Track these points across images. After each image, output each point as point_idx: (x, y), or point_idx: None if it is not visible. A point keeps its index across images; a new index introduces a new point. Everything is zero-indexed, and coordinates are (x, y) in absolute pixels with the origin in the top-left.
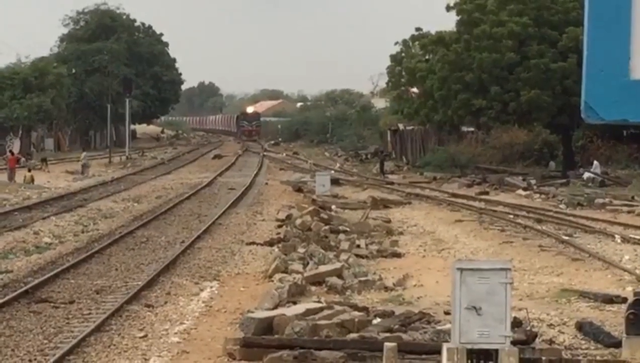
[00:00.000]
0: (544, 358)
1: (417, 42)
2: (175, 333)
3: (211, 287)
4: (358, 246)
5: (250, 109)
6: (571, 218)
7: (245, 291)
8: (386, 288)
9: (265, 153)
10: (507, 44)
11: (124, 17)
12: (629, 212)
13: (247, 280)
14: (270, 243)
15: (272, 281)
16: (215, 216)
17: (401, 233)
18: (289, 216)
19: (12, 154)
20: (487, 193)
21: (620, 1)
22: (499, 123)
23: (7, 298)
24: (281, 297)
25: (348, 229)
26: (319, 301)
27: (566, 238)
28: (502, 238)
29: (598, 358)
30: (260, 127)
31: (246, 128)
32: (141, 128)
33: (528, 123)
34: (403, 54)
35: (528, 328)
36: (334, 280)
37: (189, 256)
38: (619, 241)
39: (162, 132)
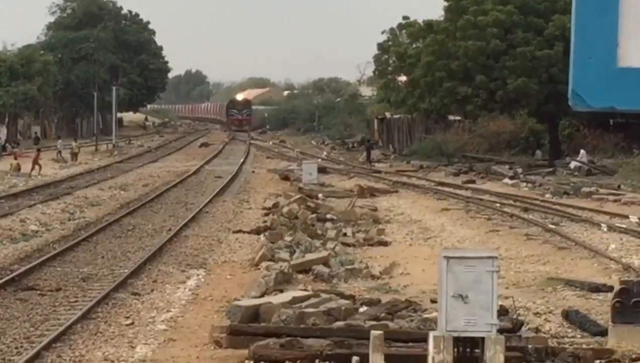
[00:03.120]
0: (530, 346)
1: (404, 31)
2: (162, 321)
3: (198, 275)
4: (345, 234)
5: (240, 97)
6: (557, 207)
7: (231, 279)
8: (373, 277)
9: (252, 141)
10: (492, 31)
11: (111, 5)
12: (615, 201)
13: (233, 268)
14: (257, 231)
15: (259, 269)
16: (202, 204)
17: (388, 222)
18: (275, 205)
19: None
20: (473, 182)
21: None
22: (485, 111)
23: None
24: (268, 285)
25: (335, 217)
26: (305, 290)
27: (552, 226)
28: (489, 226)
29: (584, 346)
30: (251, 116)
31: (236, 117)
32: (128, 116)
33: (514, 111)
34: (390, 43)
35: (514, 316)
36: (320, 268)
37: (175, 244)
38: (605, 230)
39: (146, 120)
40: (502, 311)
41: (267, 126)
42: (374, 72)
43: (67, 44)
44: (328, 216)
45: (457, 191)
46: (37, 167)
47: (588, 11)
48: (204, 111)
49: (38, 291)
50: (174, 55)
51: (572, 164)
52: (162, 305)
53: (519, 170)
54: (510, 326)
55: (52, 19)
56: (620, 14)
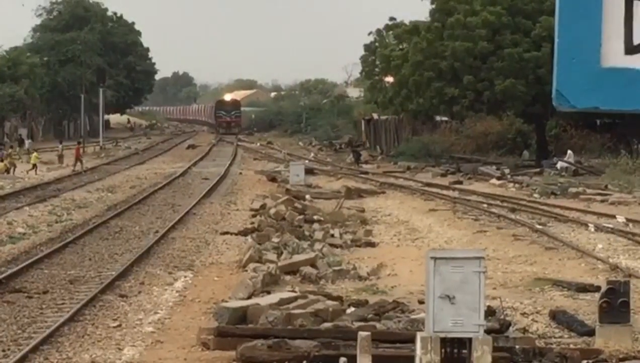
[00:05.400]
0: (517, 347)
1: (391, 32)
2: (149, 323)
3: (185, 277)
4: (332, 235)
5: (228, 97)
6: (545, 207)
7: (219, 281)
8: (360, 278)
9: (239, 143)
10: (481, 33)
11: (97, 7)
12: (602, 201)
13: (221, 269)
14: (244, 233)
15: (246, 270)
16: (189, 206)
17: (375, 223)
18: (263, 206)
19: None
20: (460, 183)
21: None
22: (472, 112)
23: None
24: (255, 287)
25: (322, 218)
26: (293, 291)
27: (540, 227)
28: (476, 227)
29: (571, 346)
30: (240, 118)
31: (224, 119)
32: (115, 118)
33: (502, 112)
34: (377, 44)
35: (502, 317)
36: (308, 269)
37: (162, 246)
38: (592, 230)
39: (128, 122)
40: (490, 312)
41: (255, 128)
42: (360, 73)
43: (54, 46)
44: (315, 217)
45: (445, 192)
46: (79, 163)
47: (571, 11)
48: (194, 112)
49: (25, 294)
50: (161, 57)
51: (559, 165)
52: (149, 307)
53: (506, 171)
54: (498, 326)
55: (38, 21)
56: (603, 13)
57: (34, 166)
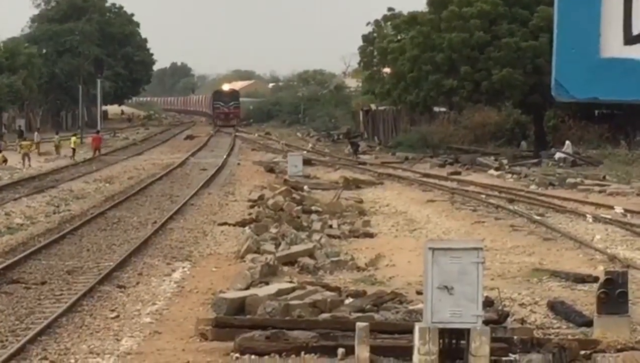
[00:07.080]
0: (515, 337)
1: (389, 22)
2: (147, 313)
3: (183, 268)
4: (330, 226)
5: (226, 87)
6: (543, 198)
7: (217, 271)
8: (358, 268)
9: (237, 134)
10: (476, 23)
11: None
12: (600, 192)
13: (219, 260)
14: (243, 224)
15: (244, 261)
16: (187, 197)
17: (373, 213)
18: (261, 197)
19: None
20: (459, 173)
21: None
22: (471, 103)
23: None
24: (253, 277)
25: (320, 209)
26: (291, 282)
27: (538, 217)
28: (474, 218)
29: (569, 337)
30: (239, 109)
31: (222, 110)
32: (113, 109)
33: (500, 102)
34: (375, 34)
35: (500, 307)
36: (306, 260)
37: (160, 237)
38: (590, 220)
39: (122, 113)
40: (488, 303)
41: (251, 120)
42: (358, 63)
43: (52, 37)
44: (313, 208)
45: (443, 183)
46: (97, 152)
47: (570, 2)
48: (193, 103)
49: (23, 285)
50: (159, 47)
51: (557, 155)
52: (147, 298)
53: (504, 161)
54: (496, 317)
55: (36, 11)
56: (602, 4)
57: (74, 151)
